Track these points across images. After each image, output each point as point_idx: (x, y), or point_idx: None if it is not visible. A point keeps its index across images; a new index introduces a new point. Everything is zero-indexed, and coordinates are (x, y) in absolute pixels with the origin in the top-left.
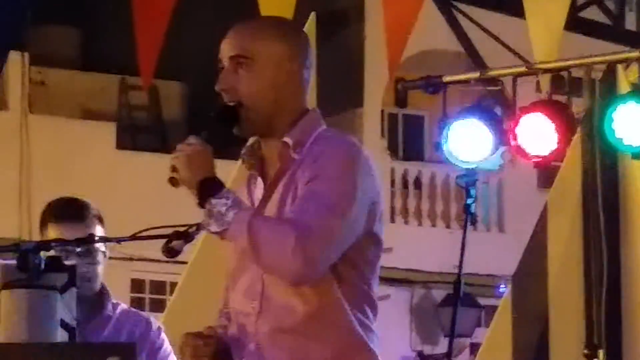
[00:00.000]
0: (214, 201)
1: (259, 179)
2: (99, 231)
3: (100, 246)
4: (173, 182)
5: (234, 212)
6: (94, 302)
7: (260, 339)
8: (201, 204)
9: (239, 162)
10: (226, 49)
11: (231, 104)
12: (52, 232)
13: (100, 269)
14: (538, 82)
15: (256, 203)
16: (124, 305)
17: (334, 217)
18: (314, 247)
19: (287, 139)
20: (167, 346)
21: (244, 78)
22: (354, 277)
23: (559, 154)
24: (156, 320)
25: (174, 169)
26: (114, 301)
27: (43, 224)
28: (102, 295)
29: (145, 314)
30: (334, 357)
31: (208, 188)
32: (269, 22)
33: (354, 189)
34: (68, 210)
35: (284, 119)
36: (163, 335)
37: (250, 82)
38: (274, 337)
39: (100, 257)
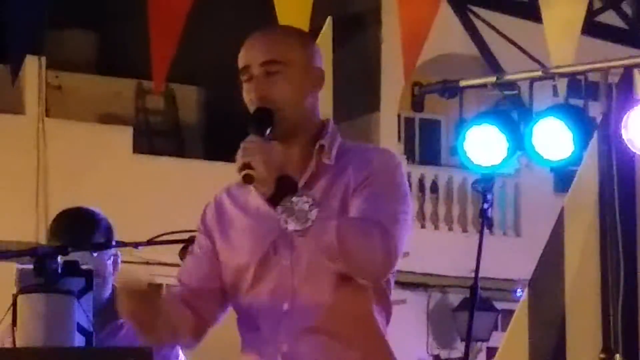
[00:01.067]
0: (295, 199)
1: None
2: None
3: (106, 259)
4: (248, 179)
5: (317, 211)
6: (108, 309)
7: (293, 340)
8: (276, 202)
9: None
10: (255, 56)
11: (268, 107)
12: None
13: (108, 280)
14: (555, 87)
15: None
16: None
17: (401, 215)
18: (395, 246)
19: (324, 142)
20: (179, 353)
21: (279, 83)
22: (383, 282)
23: (575, 159)
24: None
25: (247, 166)
26: None
27: (52, 238)
28: (115, 302)
29: None
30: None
31: (286, 186)
32: (293, 30)
33: (407, 189)
34: (71, 232)
35: (309, 125)
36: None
37: (285, 86)
38: (306, 337)
39: (103, 269)
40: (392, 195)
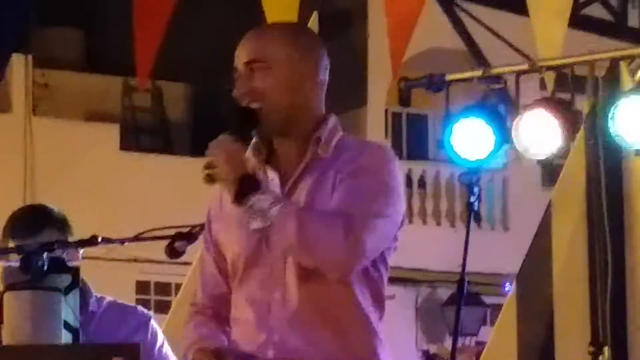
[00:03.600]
0: (254, 198)
1: (271, 175)
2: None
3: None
4: (209, 179)
5: (277, 208)
6: None
7: (284, 329)
8: (239, 201)
9: (250, 154)
10: (241, 56)
11: (252, 106)
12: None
13: None
14: (541, 80)
15: None
16: (109, 299)
17: (379, 211)
18: (363, 239)
19: (320, 135)
20: (156, 334)
21: (260, 80)
22: (375, 276)
23: (562, 152)
24: (143, 309)
25: (210, 165)
26: (98, 295)
27: (4, 238)
28: (82, 292)
29: (132, 304)
30: (347, 350)
31: (248, 185)
32: (281, 27)
33: (395, 186)
34: (21, 226)
35: (304, 120)
36: (152, 323)
37: (266, 83)
38: (297, 327)
39: None
40: (376, 191)
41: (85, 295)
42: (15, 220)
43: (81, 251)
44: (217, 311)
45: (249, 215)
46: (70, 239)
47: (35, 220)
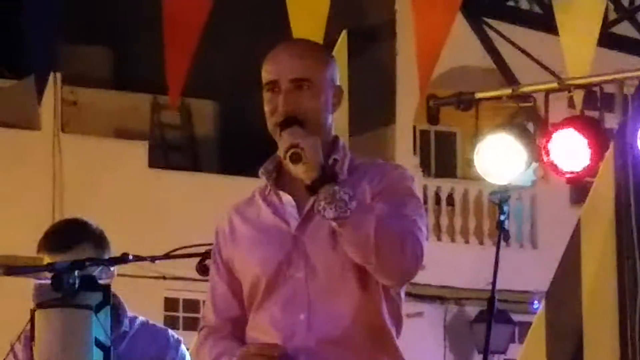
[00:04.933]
0: (337, 188)
1: (283, 195)
2: (93, 255)
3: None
4: (296, 157)
5: (356, 203)
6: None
7: (311, 351)
8: (316, 188)
9: (263, 177)
10: (285, 72)
11: (297, 117)
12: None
13: None
14: (570, 98)
15: (288, 216)
16: (141, 319)
17: (422, 228)
18: (422, 253)
19: (337, 157)
20: (184, 358)
21: (307, 98)
22: (393, 293)
23: (591, 170)
24: (174, 333)
25: (296, 145)
26: (131, 315)
27: (39, 252)
28: (117, 310)
29: (163, 327)
30: None
31: (329, 174)
32: (318, 47)
33: (422, 204)
34: (57, 240)
35: (323, 138)
36: (182, 348)
37: (312, 102)
38: (324, 348)
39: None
40: (411, 205)
41: (119, 313)
42: (51, 235)
43: (114, 269)
44: (232, 332)
45: (326, 203)
46: (107, 255)
47: (71, 235)
